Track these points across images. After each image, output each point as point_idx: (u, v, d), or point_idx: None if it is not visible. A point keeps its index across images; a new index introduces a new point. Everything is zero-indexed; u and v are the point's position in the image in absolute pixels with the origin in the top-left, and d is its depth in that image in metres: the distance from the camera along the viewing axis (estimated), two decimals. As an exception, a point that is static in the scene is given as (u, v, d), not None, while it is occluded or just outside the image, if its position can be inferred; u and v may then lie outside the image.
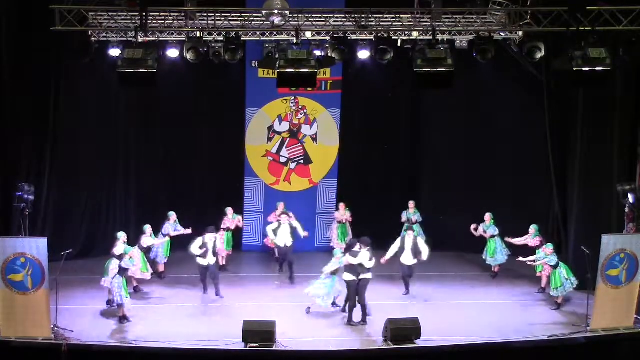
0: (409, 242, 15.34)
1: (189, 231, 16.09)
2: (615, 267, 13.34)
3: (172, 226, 16.29)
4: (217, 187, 18.48)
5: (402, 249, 15.33)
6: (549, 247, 14.80)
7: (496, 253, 16.48)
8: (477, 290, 15.96)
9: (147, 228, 15.54)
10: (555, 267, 14.57)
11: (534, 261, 14.93)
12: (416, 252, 15.28)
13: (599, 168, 15.56)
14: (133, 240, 15.36)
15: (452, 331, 13.48)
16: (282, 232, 16.46)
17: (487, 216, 16.55)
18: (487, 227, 16.49)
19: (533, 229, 15.61)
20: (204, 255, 15.05)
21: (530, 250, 15.34)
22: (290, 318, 13.97)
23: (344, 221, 17.86)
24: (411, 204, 17.70)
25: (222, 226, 16.84)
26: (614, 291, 13.39)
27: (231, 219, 17.02)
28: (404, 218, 17.70)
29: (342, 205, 17.94)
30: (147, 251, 15.56)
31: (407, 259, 15.31)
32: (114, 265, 14.19)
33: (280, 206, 17.54)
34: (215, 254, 15.20)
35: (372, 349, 12.76)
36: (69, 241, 16.22)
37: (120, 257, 14.07)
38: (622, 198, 14.59)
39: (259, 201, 18.43)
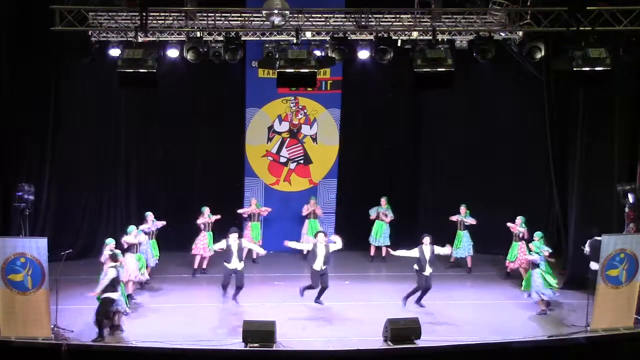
0: (427, 252, 14.61)
1: (163, 223, 16.02)
2: (615, 267, 13.33)
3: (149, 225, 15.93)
4: (217, 187, 18.47)
5: (423, 261, 14.56)
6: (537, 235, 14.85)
7: (462, 245, 16.77)
8: (477, 290, 15.97)
9: (133, 229, 15.17)
10: (537, 266, 14.26)
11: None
12: (432, 262, 14.71)
13: (599, 168, 15.56)
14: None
15: (452, 331, 13.49)
16: (318, 254, 14.66)
17: (462, 208, 16.86)
18: (463, 217, 16.84)
19: (520, 219, 15.89)
20: (228, 260, 14.52)
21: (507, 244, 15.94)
22: (290, 318, 13.97)
23: (312, 216, 17.78)
24: (383, 200, 17.65)
25: (200, 226, 16.65)
26: (614, 291, 13.38)
27: (207, 217, 16.71)
28: (373, 215, 17.66)
29: (312, 201, 17.92)
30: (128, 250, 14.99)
31: (428, 270, 14.61)
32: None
33: (253, 202, 17.57)
34: (241, 257, 14.56)
35: (372, 349, 12.74)
36: (69, 241, 16.24)
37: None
38: (622, 198, 14.59)
39: (259, 201, 18.39)
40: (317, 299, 14.72)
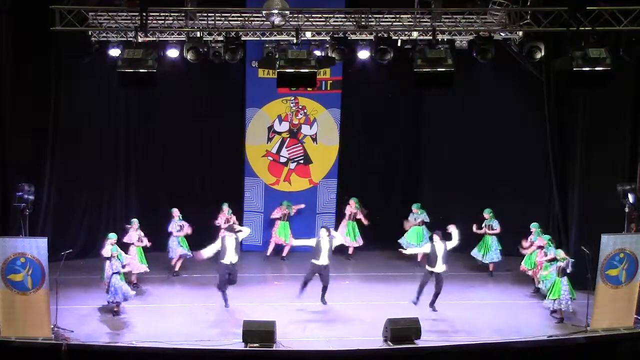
0: (439, 249, 14.45)
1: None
2: (614, 267, 13.35)
3: (177, 223, 16.17)
4: (217, 187, 18.45)
5: (434, 257, 14.44)
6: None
7: (491, 250, 16.63)
8: (477, 290, 15.98)
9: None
10: (566, 274, 14.06)
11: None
12: (447, 259, 14.61)
13: (599, 168, 15.57)
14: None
15: (452, 331, 13.50)
16: (323, 249, 14.65)
17: (487, 213, 16.67)
18: (489, 222, 16.65)
19: (534, 227, 15.71)
20: (222, 257, 14.48)
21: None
22: (290, 318, 13.98)
23: (352, 218, 17.76)
24: (352, 201, 17.72)
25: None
26: (614, 291, 13.40)
27: (227, 215, 16.79)
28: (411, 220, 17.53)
29: (352, 202, 17.87)
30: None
31: (439, 267, 14.48)
32: (107, 266, 14.10)
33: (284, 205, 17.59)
34: (237, 252, 14.64)
35: (372, 349, 12.76)
36: (69, 241, 16.25)
37: (109, 259, 13.96)
38: (622, 198, 14.59)
39: (259, 201, 18.42)
40: (322, 299, 14.74)
